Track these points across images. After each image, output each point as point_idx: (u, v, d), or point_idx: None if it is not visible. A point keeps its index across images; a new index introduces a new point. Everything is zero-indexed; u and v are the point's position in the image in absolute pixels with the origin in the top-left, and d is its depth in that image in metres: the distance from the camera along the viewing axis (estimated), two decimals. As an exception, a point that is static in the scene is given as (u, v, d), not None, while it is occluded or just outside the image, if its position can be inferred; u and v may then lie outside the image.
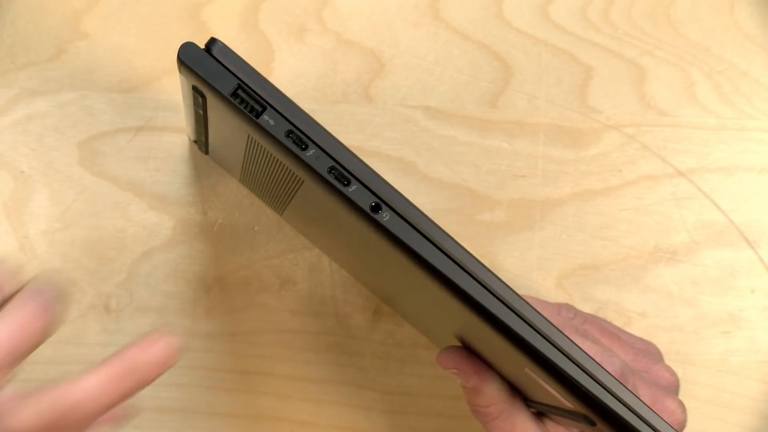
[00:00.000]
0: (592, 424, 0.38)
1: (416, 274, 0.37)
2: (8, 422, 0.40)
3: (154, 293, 0.55)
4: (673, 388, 0.48)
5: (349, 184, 0.36)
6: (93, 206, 0.55)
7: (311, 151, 0.36)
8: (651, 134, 0.57)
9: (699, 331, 0.56)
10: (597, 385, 0.36)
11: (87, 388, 0.40)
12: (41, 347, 0.41)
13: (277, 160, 0.37)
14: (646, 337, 0.51)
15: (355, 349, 0.56)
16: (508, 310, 0.36)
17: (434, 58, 0.56)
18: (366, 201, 0.36)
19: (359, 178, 0.36)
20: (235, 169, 0.51)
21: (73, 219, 0.55)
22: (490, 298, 0.36)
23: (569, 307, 0.49)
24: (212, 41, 0.36)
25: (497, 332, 0.36)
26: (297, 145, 0.36)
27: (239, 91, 0.36)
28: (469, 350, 0.44)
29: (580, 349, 0.36)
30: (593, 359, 0.36)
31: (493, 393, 0.44)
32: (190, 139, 0.54)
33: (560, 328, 0.36)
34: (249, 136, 0.38)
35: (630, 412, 0.36)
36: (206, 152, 0.53)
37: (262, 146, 0.38)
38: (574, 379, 0.36)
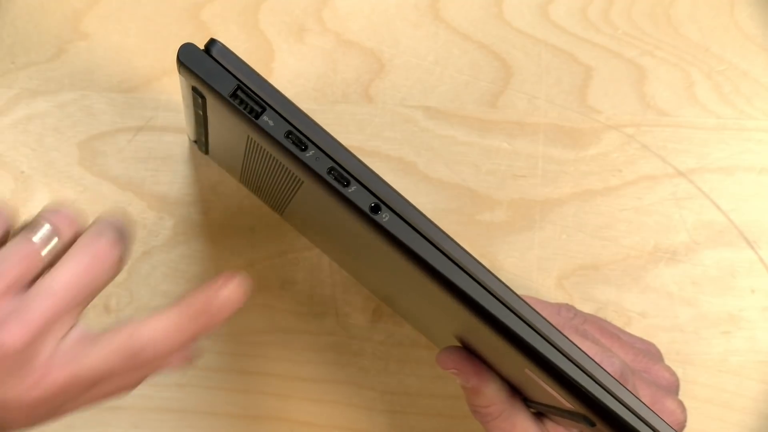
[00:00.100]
0: (592, 424, 0.38)
1: (416, 275, 0.37)
2: (81, 362, 0.40)
3: (154, 293, 0.55)
4: (673, 388, 0.48)
5: (348, 184, 0.36)
6: (93, 206, 0.55)
7: (311, 152, 0.36)
8: (651, 134, 0.57)
9: (699, 331, 0.56)
10: (596, 385, 0.36)
11: (157, 328, 0.40)
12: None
13: (277, 160, 0.37)
14: (646, 337, 0.51)
15: (355, 349, 0.56)
16: (508, 311, 0.36)
17: (434, 58, 0.56)
18: (365, 202, 0.36)
19: (359, 178, 0.36)
20: (235, 169, 0.51)
21: (73, 219, 0.55)
22: (490, 299, 0.36)
23: (569, 307, 0.49)
24: (212, 42, 0.36)
25: (497, 333, 0.36)
26: (296, 145, 0.36)
27: (239, 92, 0.36)
28: (468, 350, 0.44)
29: (580, 349, 0.36)
30: (593, 360, 0.36)
31: (492, 393, 0.44)
32: (190, 139, 0.54)
33: (560, 329, 0.36)
34: (249, 136, 0.38)
35: (629, 413, 0.36)
36: (206, 152, 0.53)
37: (261, 147, 0.38)
38: (573, 379, 0.36)
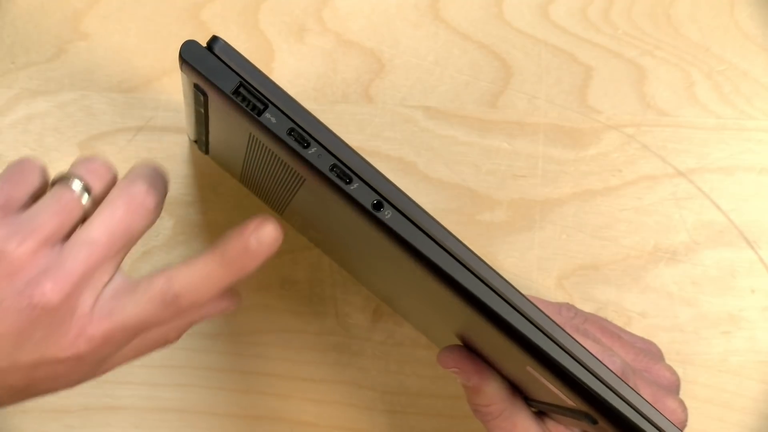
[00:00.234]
0: (594, 422, 0.38)
1: (417, 272, 0.36)
2: (121, 312, 0.40)
3: (154, 293, 0.55)
4: (673, 387, 0.48)
5: (350, 182, 0.36)
6: (93, 206, 0.55)
7: (313, 149, 0.36)
8: (651, 134, 0.57)
9: (699, 331, 0.56)
10: (599, 382, 0.36)
11: (193, 275, 0.40)
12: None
13: (279, 158, 0.37)
14: (646, 337, 0.51)
15: (355, 349, 0.56)
16: (511, 308, 0.36)
17: (434, 58, 0.57)
18: (368, 199, 0.36)
19: (361, 176, 0.36)
20: (235, 169, 0.51)
21: (73, 219, 0.55)
22: (493, 296, 0.36)
23: (570, 307, 0.49)
24: (214, 39, 0.36)
25: (499, 330, 0.36)
26: (299, 143, 0.36)
27: (241, 89, 0.36)
28: (469, 349, 0.44)
29: (582, 346, 0.36)
30: (595, 357, 0.36)
31: (493, 392, 0.44)
32: (190, 139, 0.54)
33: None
34: (250, 134, 0.38)
35: (632, 410, 0.36)
36: (206, 152, 0.53)
37: (263, 144, 0.38)
38: (576, 376, 0.36)
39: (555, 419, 0.45)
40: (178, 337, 0.46)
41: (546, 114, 0.56)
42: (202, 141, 0.51)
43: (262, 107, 0.36)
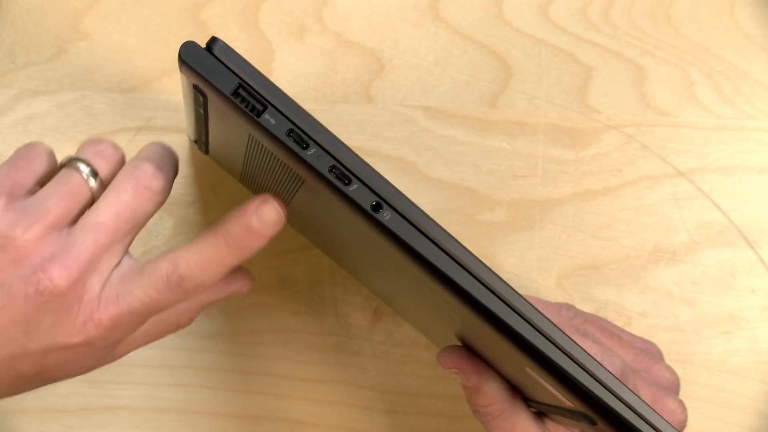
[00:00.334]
0: (593, 423, 0.38)
1: (417, 274, 0.36)
2: (129, 296, 0.40)
3: (154, 293, 0.55)
4: (673, 387, 0.48)
5: (349, 183, 0.36)
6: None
7: (312, 150, 0.36)
8: (651, 134, 0.57)
9: (699, 331, 0.56)
10: (598, 384, 0.36)
11: (196, 256, 0.40)
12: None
13: (278, 159, 0.37)
14: (646, 337, 0.51)
15: (355, 349, 0.56)
16: (509, 309, 0.36)
17: (434, 58, 0.56)
18: (367, 200, 0.36)
19: (360, 177, 0.36)
20: (235, 169, 0.51)
21: (73, 219, 0.55)
22: (491, 297, 0.36)
23: (569, 307, 0.49)
24: (213, 40, 0.36)
25: (498, 331, 0.36)
26: (298, 144, 0.36)
27: (240, 90, 0.36)
28: (469, 350, 0.44)
29: (581, 348, 0.36)
30: (594, 358, 0.36)
31: (493, 392, 0.44)
32: (190, 139, 0.54)
33: (560, 328, 0.36)
34: (250, 135, 0.38)
35: (631, 411, 0.36)
36: (206, 152, 0.53)
37: (262, 145, 0.38)
38: (575, 378, 0.36)
39: (554, 420, 0.45)
40: (190, 320, 0.46)
41: (546, 114, 0.56)
42: (202, 141, 0.51)
43: (261, 108, 0.36)
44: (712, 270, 0.56)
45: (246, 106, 0.36)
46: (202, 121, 0.44)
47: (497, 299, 0.36)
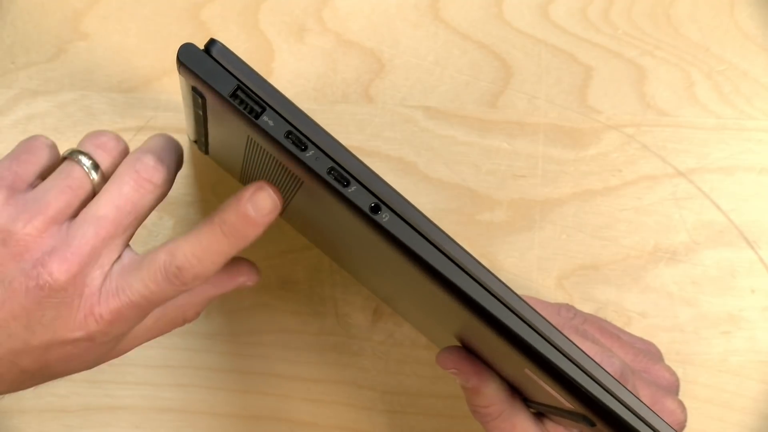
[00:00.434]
0: (592, 424, 0.38)
1: (416, 275, 0.37)
2: (129, 289, 0.40)
3: (154, 293, 0.55)
4: (673, 388, 0.48)
5: (348, 184, 0.36)
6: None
7: (310, 152, 0.36)
8: (651, 134, 0.57)
9: (699, 331, 0.56)
10: (596, 385, 0.36)
11: (191, 247, 0.40)
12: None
13: (277, 160, 0.37)
14: (646, 337, 0.51)
15: (355, 349, 0.56)
16: (508, 311, 0.36)
17: (434, 58, 0.56)
18: (365, 202, 0.36)
19: (359, 178, 0.36)
20: (235, 170, 0.51)
21: (73, 219, 0.55)
22: (490, 299, 0.36)
23: (569, 307, 0.49)
24: (211, 42, 0.36)
25: (497, 333, 0.36)
26: (296, 146, 0.36)
27: (239, 92, 0.36)
28: (468, 350, 0.44)
29: (580, 349, 0.36)
30: (593, 360, 0.36)
31: (492, 393, 0.44)
32: (190, 139, 0.54)
33: (560, 329, 0.36)
34: (248, 136, 0.38)
35: (629, 413, 0.36)
36: (206, 152, 0.53)
37: (261, 147, 0.38)
38: (573, 379, 0.36)
39: (554, 420, 0.45)
40: (196, 314, 0.45)
41: (546, 114, 0.56)
42: (201, 141, 0.51)
43: (259, 110, 0.36)
44: (712, 270, 0.56)
45: (244, 108, 0.36)
46: (201, 122, 0.44)
47: (496, 301, 0.36)
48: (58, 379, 0.43)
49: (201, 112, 0.41)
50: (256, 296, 0.56)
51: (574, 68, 0.57)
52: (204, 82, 0.36)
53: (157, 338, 0.45)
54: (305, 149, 0.36)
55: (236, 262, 0.47)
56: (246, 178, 0.50)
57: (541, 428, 0.44)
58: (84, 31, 0.55)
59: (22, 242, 0.39)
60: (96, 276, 0.40)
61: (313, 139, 0.36)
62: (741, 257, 0.56)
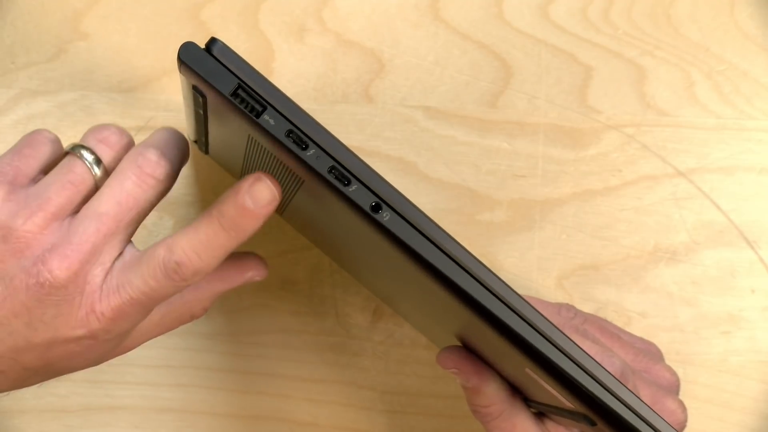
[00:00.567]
0: (593, 424, 0.38)
1: (416, 274, 0.36)
2: (130, 285, 0.40)
3: (154, 293, 0.55)
4: (673, 388, 0.48)
5: (349, 183, 0.36)
6: (93, 206, 0.55)
7: (311, 151, 0.36)
8: (651, 134, 0.57)
9: (699, 331, 0.56)
10: (597, 385, 0.36)
11: (189, 241, 0.39)
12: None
13: (278, 159, 0.37)
14: (646, 337, 0.51)
15: (355, 349, 0.56)
16: (509, 310, 0.36)
17: (434, 58, 0.56)
18: (366, 201, 0.36)
19: (359, 177, 0.36)
20: (235, 169, 0.51)
21: (73, 219, 0.55)
22: (491, 298, 0.36)
23: (569, 307, 0.49)
24: (212, 41, 0.36)
25: (497, 332, 0.36)
26: (297, 144, 0.36)
27: (239, 91, 0.36)
28: (469, 350, 0.44)
29: (581, 349, 0.36)
30: (593, 359, 0.36)
31: (493, 393, 0.44)
32: (190, 139, 0.54)
33: (560, 328, 0.36)
34: (249, 135, 0.38)
35: (630, 412, 0.36)
36: (206, 152, 0.53)
37: (262, 146, 0.38)
38: (574, 379, 0.36)
39: (554, 420, 0.45)
40: (204, 310, 0.45)
41: (546, 114, 0.56)
42: (201, 141, 0.51)
43: (260, 109, 0.36)
44: (712, 270, 0.56)
45: (245, 107, 0.36)
46: (201, 121, 0.44)
47: (497, 300, 0.36)
48: (58, 379, 0.43)
49: (201, 112, 0.41)
50: (256, 296, 0.56)
51: (574, 68, 0.57)
52: (205, 81, 0.36)
53: (158, 338, 0.45)
54: (306, 148, 0.36)
55: (244, 256, 0.46)
56: (246, 178, 0.50)
57: (541, 428, 0.44)
58: (84, 31, 0.55)
59: (22, 239, 0.39)
60: (97, 273, 0.39)
61: (314, 138, 0.36)
62: (741, 257, 0.56)
